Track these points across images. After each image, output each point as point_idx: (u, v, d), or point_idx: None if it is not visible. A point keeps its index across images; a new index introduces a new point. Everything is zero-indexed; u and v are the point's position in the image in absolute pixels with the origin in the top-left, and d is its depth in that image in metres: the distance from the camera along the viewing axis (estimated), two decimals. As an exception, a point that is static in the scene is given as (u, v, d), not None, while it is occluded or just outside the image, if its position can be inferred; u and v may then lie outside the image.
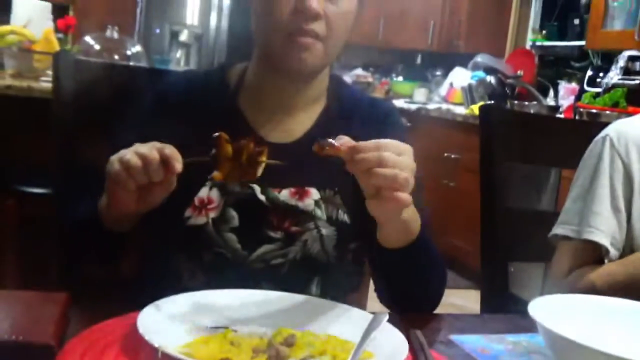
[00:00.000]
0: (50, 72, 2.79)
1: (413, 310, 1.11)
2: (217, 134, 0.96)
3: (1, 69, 3.00)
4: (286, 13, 1.07)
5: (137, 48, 3.26)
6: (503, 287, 1.57)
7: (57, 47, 3.03)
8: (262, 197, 1.13)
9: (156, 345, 0.77)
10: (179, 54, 5.21)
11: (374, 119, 1.21)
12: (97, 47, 3.07)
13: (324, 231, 1.13)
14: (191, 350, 0.80)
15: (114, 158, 0.94)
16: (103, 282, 0.98)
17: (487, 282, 1.59)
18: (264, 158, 0.97)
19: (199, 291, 0.98)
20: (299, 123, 1.19)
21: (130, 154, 0.92)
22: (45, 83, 2.70)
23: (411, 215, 1.02)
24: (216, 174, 0.96)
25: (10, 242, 2.61)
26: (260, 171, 0.97)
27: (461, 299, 3.87)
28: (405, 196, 0.91)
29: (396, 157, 0.89)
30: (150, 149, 0.91)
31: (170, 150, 0.91)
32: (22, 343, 0.75)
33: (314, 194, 1.14)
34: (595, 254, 1.32)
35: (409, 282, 1.10)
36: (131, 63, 3.08)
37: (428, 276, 1.13)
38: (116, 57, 3.10)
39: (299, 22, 1.07)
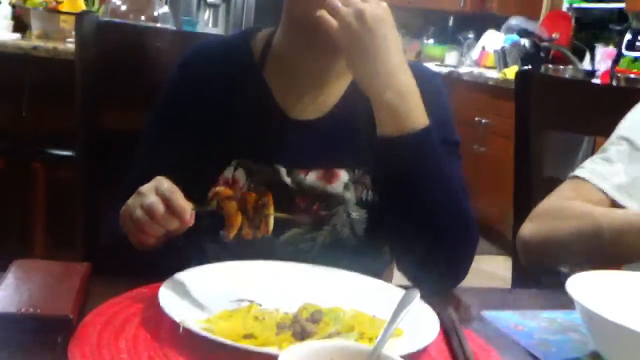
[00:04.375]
0: (76, 33, 2.79)
1: (429, 263, 1.01)
2: (216, 189, 0.91)
3: (28, 30, 3.00)
4: None
5: (165, 9, 3.21)
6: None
7: (83, 7, 3.02)
8: (287, 180, 1.07)
9: (177, 319, 0.75)
10: (207, 14, 5.16)
11: None
12: (123, 7, 3.03)
13: (353, 215, 1.08)
14: (213, 326, 0.77)
15: (126, 210, 0.90)
16: (127, 254, 0.96)
17: (519, 253, 1.55)
18: (271, 210, 0.92)
19: (222, 263, 0.95)
20: (327, 96, 1.12)
21: (138, 209, 0.86)
22: (71, 44, 2.68)
23: (405, 98, 0.98)
24: (226, 233, 0.92)
25: (38, 205, 2.62)
26: (271, 225, 0.93)
27: (491, 266, 3.83)
28: (326, 14, 0.96)
29: None
30: (157, 204, 0.84)
31: (176, 199, 0.84)
32: (40, 315, 0.74)
33: (343, 176, 1.08)
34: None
35: (415, 195, 1.01)
36: (158, 24, 3.03)
37: (437, 197, 1.01)
38: (143, 18, 3.06)
39: None
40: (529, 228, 1.22)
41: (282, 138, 1.10)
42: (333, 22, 0.97)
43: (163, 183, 0.87)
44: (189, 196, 0.87)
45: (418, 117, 0.99)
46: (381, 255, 1.14)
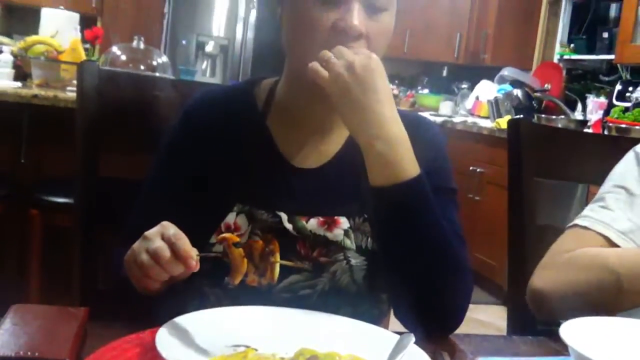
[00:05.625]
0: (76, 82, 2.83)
1: (426, 310, 1.01)
2: (223, 235, 0.92)
3: (29, 79, 3.04)
4: (326, 31, 1.01)
5: (163, 59, 3.27)
6: (531, 306, 1.52)
7: (83, 57, 3.06)
8: (289, 226, 1.08)
9: (174, 364, 0.75)
10: (204, 64, 5.24)
11: (409, 134, 1.08)
12: (123, 57, 3.09)
13: (353, 262, 1.09)
14: (210, 370, 0.78)
15: (131, 254, 0.91)
16: (129, 298, 0.96)
17: (514, 300, 1.55)
18: (277, 258, 0.93)
19: (220, 308, 0.96)
20: (329, 145, 1.14)
21: (144, 254, 0.87)
22: (71, 93, 2.72)
23: (395, 148, 0.99)
24: (231, 279, 0.93)
25: (34, 251, 2.62)
26: (277, 273, 0.94)
27: (486, 315, 3.82)
28: (317, 66, 0.98)
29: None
30: (163, 249, 0.85)
31: (182, 245, 0.85)
32: (38, 359, 0.74)
33: (344, 223, 1.09)
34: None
35: (408, 244, 1.01)
36: (157, 74, 3.09)
37: (429, 245, 1.01)
38: (142, 67, 3.11)
39: (340, 41, 1.01)
40: (542, 279, 1.18)
41: (285, 185, 1.11)
42: (324, 72, 0.98)
43: (169, 228, 0.87)
44: (192, 241, 0.88)
45: (409, 166, 1.00)
46: (379, 303, 1.14)
